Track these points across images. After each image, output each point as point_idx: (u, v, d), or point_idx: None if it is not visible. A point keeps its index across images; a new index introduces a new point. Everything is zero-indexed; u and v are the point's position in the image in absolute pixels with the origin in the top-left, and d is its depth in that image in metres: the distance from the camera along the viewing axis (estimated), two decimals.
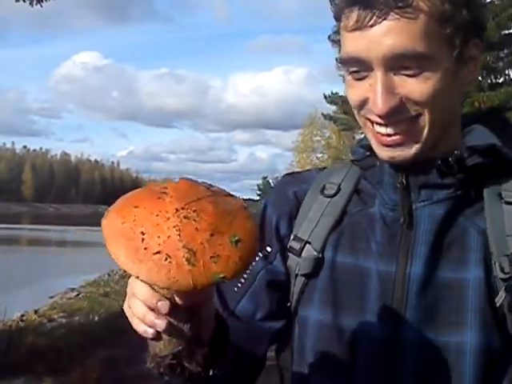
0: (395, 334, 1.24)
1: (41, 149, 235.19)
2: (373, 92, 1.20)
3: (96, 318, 12.48)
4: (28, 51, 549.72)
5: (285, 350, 1.42)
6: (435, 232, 1.26)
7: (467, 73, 1.26)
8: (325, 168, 1.48)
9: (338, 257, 1.32)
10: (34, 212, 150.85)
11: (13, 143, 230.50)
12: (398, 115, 1.20)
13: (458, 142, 1.31)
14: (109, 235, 0.90)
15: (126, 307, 1.04)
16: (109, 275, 23.05)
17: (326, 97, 31.46)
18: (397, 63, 1.18)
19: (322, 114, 35.23)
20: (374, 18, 1.16)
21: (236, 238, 0.91)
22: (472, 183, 1.28)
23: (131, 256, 0.87)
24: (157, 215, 0.88)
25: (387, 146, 1.24)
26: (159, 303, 0.97)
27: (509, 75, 21.31)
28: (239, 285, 1.38)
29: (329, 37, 1.30)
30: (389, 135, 1.23)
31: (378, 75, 1.19)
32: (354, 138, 39.55)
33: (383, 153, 1.25)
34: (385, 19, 1.16)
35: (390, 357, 1.24)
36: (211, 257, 0.87)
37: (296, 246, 1.35)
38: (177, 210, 0.89)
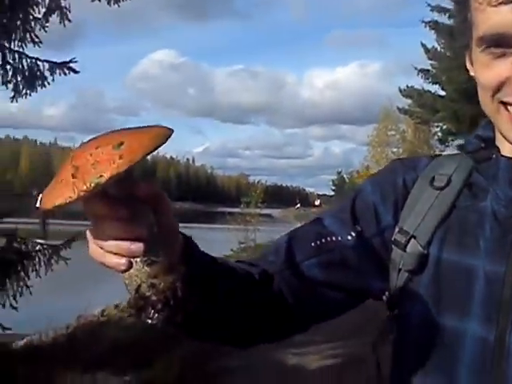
0: (501, 338, 1.16)
1: None
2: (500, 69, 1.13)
3: None
4: (106, 50, 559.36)
5: (385, 344, 1.37)
6: None
7: None
8: (436, 156, 1.40)
9: (444, 253, 1.25)
10: None
11: None
12: None
13: None
14: None
15: (92, 251, 1.01)
16: None
17: (401, 90, 31.05)
18: None
19: (398, 107, 34.77)
20: None
21: (119, 142, 0.90)
22: None
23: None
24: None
25: None
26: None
27: None
28: (318, 243, 1.34)
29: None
30: None
31: None
32: (429, 131, 39.00)
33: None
34: None
35: (494, 361, 1.17)
36: (92, 164, 0.89)
37: (401, 239, 1.29)
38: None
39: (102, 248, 0.99)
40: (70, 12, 8.28)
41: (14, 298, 7.39)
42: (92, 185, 0.88)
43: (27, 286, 7.51)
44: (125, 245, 0.96)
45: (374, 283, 1.35)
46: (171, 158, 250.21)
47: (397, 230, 1.31)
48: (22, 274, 7.46)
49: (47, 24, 8.21)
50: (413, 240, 1.28)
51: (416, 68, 29.17)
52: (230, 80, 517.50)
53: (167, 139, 0.92)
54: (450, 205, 1.29)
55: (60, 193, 0.90)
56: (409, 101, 31.85)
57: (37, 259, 7.59)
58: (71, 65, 8.36)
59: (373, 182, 1.41)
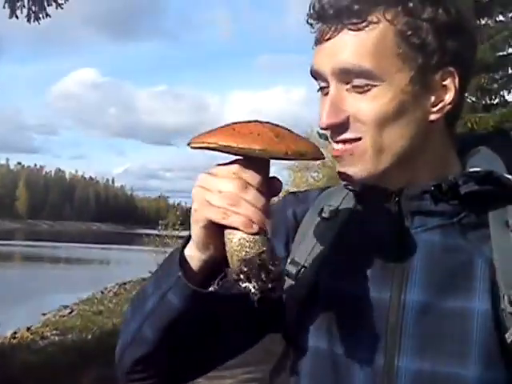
0: (390, 363, 1.19)
1: (35, 165, 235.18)
2: (323, 105, 1.21)
3: (89, 336, 12.41)
4: (26, 68, 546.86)
5: (281, 374, 1.38)
6: (433, 259, 1.22)
7: (436, 101, 1.20)
8: (327, 188, 1.43)
9: (334, 282, 1.27)
10: (28, 228, 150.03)
11: (7, 159, 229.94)
12: (342, 133, 1.20)
13: (455, 165, 1.27)
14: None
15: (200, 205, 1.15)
16: (102, 293, 23.01)
17: None
18: (346, 78, 1.18)
19: (318, 133, 35.16)
20: (330, 32, 1.18)
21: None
22: (473, 209, 1.23)
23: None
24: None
25: (338, 158, 1.23)
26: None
27: (503, 97, 21.28)
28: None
29: None
30: (337, 150, 1.22)
31: (330, 89, 1.20)
32: None
33: (337, 167, 1.24)
34: (339, 33, 1.17)
35: None
36: (294, 139, 1.06)
37: (292, 270, 1.28)
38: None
39: (234, 205, 1.06)
40: None
41: None
42: (300, 150, 1.04)
43: None
44: (261, 214, 1.05)
45: (270, 318, 1.30)
46: (90, 178, 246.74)
47: (289, 261, 1.31)
48: None
49: None
50: (303, 270, 1.29)
51: None
52: (153, 100, 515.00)
53: (311, 158, 1.08)
54: (338, 235, 1.31)
55: (266, 142, 1.04)
56: None
57: None
58: None
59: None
